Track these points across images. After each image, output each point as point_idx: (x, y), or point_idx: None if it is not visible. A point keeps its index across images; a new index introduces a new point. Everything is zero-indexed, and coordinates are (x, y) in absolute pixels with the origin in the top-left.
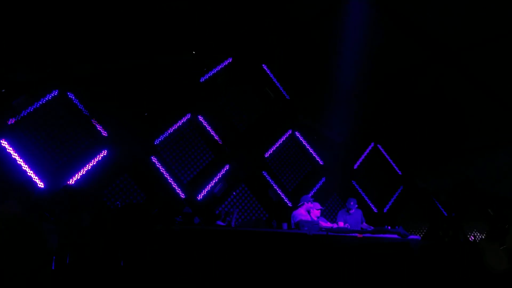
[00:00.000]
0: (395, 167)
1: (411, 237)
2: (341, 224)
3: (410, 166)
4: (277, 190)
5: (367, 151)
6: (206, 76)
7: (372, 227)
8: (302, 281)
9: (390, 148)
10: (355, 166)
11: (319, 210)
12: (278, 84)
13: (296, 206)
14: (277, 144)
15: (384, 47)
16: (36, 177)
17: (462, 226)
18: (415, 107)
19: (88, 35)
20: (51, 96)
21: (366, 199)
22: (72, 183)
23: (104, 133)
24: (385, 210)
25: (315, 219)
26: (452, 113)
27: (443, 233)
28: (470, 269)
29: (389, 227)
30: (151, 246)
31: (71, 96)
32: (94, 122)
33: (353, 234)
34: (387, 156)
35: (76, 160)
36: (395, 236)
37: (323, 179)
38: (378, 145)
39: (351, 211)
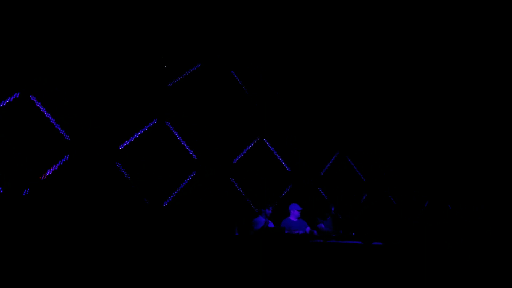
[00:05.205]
0: (360, 175)
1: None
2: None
3: (375, 174)
4: (244, 197)
5: (333, 159)
6: (174, 81)
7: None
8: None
9: (355, 157)
10: (322, 173)
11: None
12: (246, 91)
13: (260, 213)
14: (245, 151)
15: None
16: None
17: (429, 232)
18: (383, 116)
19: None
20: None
21: (331, 206)
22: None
23: (67, 137)
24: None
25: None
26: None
27: (407, 240)
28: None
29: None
30: None
31: (33, 99)
32: (56, 126)
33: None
34: (352, 164)
35: (38, 163)
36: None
37: (290, 186)
38: (344, 154)
39: (292, 218)
